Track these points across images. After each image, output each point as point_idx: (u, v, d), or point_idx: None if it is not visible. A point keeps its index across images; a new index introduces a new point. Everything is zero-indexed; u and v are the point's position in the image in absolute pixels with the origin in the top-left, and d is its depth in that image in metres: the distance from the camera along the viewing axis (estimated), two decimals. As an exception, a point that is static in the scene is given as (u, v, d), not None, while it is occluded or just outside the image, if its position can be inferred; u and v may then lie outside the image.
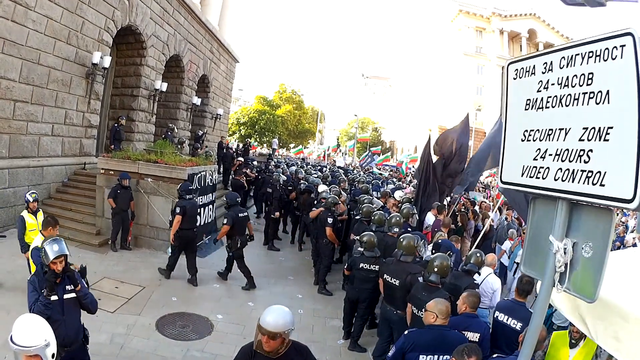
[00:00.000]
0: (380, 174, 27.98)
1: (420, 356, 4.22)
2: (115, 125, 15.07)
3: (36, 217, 7.82)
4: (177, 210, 9.05)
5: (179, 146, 15.21)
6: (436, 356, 4.23)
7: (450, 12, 59.78)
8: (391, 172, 30.48)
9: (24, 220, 7.64)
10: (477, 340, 4.66)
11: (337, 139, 51.59)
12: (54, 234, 5.83)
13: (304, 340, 3.76)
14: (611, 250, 2.15)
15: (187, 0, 19.52)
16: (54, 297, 4.27)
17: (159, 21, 17.44)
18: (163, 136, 15.84)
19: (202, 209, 11.51)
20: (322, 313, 8.55)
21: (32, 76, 11.26)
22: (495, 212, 13.30)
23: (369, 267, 6.99)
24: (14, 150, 11.08)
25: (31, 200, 7.82)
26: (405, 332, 4.54)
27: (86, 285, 5.96)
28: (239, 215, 9.20)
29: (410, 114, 67.64)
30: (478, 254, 6.18)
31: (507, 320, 5.07)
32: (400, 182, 21.31)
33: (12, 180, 11.02)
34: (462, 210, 12.79)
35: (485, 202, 17.58)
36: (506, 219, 13.01)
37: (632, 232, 18.06)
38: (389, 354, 4.57)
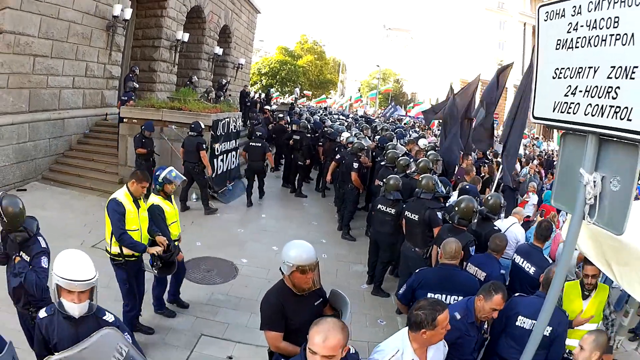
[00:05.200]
0: (406, 123, 28.05)
1: (429, 293, 4.23)
2: (130, 75, 14.95)
3: (173, 203, 5.89)
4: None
5: (206, 95, 15.30)
6: (444, 295, 4.28)
7: (472, -34, 57.54)
8: (414, 122, 30.24)
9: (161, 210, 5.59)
10: (482, 279, 4.66)
11: (359, 90, 50.90)
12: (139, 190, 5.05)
13: (328, 284, 3.73)
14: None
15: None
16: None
17: (179, -27, 17.16)
18: (185, 85, 15.83)
19: (224, 155, 11.66)
20: (345, 258, 8.64)
21: (52, 31, 11.21)
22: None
23: (386, 209, 7.11)
24: (34, 104, 11.13)
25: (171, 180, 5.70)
26: (417, 270, 4.64)
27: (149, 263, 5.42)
28: None
29: (431, 66, 66.26)
30: (492, 198, 5.90)
31: (522, 264, 5.14)
32: (423, 132, 21.15)
33: (33, 133, 11.11)
34: (486, 161, 12.60)
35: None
36: (528, 172, 13.18)
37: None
38: (400, 291, 4.65)
